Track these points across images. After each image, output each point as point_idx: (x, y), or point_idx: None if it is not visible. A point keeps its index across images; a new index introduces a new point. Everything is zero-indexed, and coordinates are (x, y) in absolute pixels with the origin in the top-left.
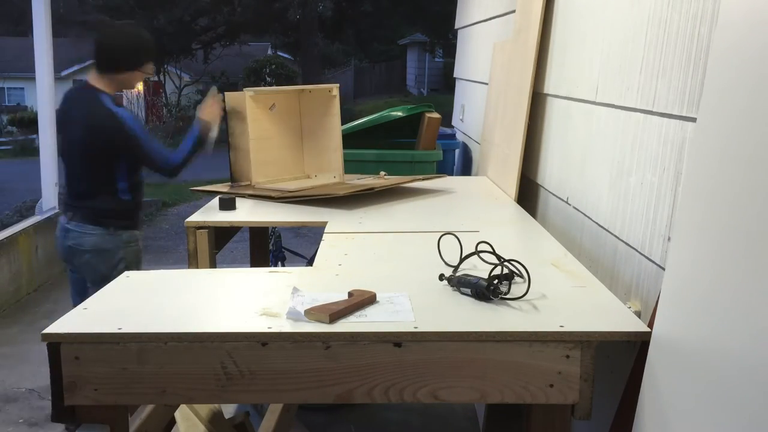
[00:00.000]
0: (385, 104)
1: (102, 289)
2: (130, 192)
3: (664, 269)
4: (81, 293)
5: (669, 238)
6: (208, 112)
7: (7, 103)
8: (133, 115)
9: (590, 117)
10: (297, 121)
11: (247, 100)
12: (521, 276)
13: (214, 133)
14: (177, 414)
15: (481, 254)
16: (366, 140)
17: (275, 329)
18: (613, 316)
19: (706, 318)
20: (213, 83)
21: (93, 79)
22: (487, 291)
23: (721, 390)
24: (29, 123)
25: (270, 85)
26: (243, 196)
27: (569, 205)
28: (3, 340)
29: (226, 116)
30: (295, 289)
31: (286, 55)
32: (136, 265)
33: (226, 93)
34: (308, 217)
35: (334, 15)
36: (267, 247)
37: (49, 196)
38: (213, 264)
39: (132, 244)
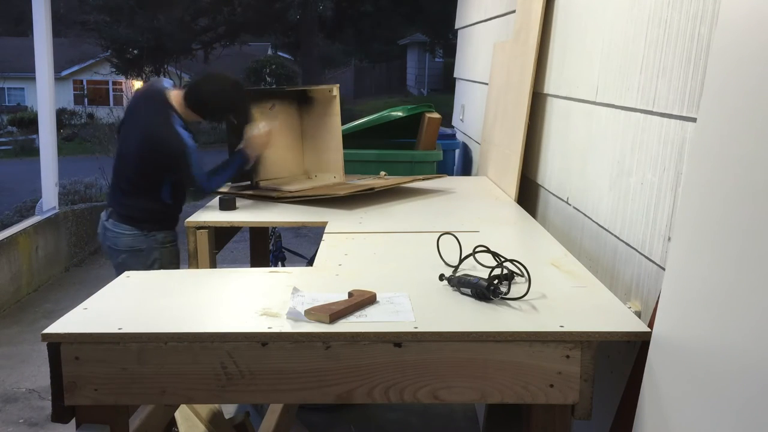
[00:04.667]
0: (385, 104)
1: (102, 289)
2: (172, 198)
3: (664, 269)
4: None
5: (669, 238)
6: (256, 143)
7: (7, 103)
8: (193, 140)
9: (590, 117)
10: (297, 121)
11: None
12: (522, 276)
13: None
14: (177, 414)
15: (481, 255)
16: (366, 140)
17: (275, 329)
18: (613, 316)
19: (706, 318)
20: None
21: (174, 97)
22: (488, 291)
23: (721, 390)
24: (29, 123)
25: (270, 85)
26: (243, 196)
27: (569, 205)
28: (3, 340)
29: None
30: (295, 289)
31: (286, 55)
32: (172, 265)
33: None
34: (308, 217)
35: (334, 15)
36: (267, 247)
37: (49, 196)
38: (213, 264)
39: (167, 245)
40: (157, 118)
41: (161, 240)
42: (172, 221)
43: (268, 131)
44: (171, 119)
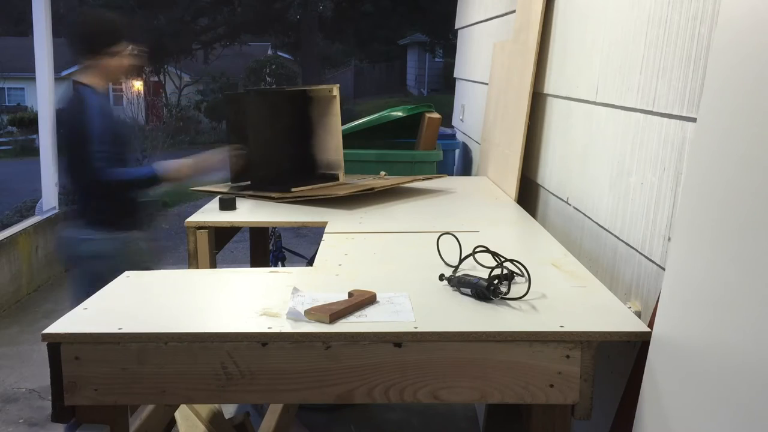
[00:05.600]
0: (385, 104)
1: (102, 289)
2: (118, 189)
3: (664, 269)
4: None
5: (669, 238)
6: (179, 167)
7: (7, 103)
8: (104, 111)
9: (590, 117)
10: (297, 122)
11: (248, 100)
12: (522, 276)
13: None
14: (177, 414)
15: (481, 255)
16: (366, 140)
17: (275, 329)
18: (613, 316)
19: (706, 318)
20: (213, 83)
21: (78, 74)
22: (488, 291)
23: (721, 390)
24: (29, 123)
25: (270, 85)
26: (243, 196)
27: (569, 205)
28: (3, 340)
29: (228, 120)
30: (295, 289)
31: (286, 55)
32: (145, 264)
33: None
34: (308, 217)
35: (334, 15)
36: (267, 247)
37: (49, 196)
38: (213, 264)
39: (131, 245)
40: (67, 98)
41: (125, 240)
42: (131, 220)
43: (195, 163)
44: (78, 91)
